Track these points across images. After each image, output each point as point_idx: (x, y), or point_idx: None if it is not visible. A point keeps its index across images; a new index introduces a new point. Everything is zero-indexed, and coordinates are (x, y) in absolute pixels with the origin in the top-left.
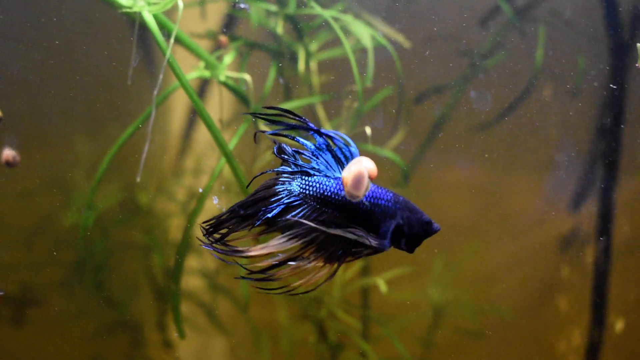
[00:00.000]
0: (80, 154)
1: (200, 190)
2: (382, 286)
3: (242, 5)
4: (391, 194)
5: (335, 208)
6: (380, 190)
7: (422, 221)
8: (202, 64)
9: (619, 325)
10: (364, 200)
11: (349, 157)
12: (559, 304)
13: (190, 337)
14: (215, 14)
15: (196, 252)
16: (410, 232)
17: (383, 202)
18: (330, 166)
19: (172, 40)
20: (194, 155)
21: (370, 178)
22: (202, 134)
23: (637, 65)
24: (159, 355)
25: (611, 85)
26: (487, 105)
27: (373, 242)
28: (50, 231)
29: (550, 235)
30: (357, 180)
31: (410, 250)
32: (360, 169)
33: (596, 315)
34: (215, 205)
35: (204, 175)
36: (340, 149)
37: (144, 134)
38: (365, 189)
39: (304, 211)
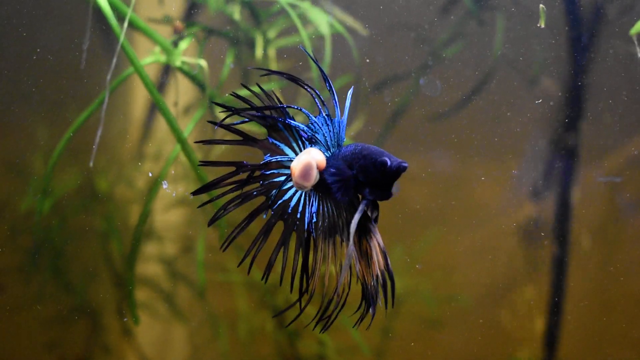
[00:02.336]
0: (38, 140)
1: (150, 174)
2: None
3: None
4: (351, 147)
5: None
6: (345, 149)
7: (376, 164)
8: (158, 49)
9: (577, 314)
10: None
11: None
12: (518, 293)
13: (150, 324)
14: (176, 0)
15: (156, 238)
16: (368, 179)
17: (346, 157)
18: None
19: (125, 24)
20: (155, 141)
21: (319, 169)
22: (163, 120)
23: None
24: (118, 341)
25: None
26: (436, 92)
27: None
28: (7, 216)
29: (510, 224)
30: (306, 171)
31: (382, 197)
32: (308, 159)
33: (555, 303)
34: (165, 190)
35: (164, 161)
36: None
37: (105, 119)
38: (313, 180)
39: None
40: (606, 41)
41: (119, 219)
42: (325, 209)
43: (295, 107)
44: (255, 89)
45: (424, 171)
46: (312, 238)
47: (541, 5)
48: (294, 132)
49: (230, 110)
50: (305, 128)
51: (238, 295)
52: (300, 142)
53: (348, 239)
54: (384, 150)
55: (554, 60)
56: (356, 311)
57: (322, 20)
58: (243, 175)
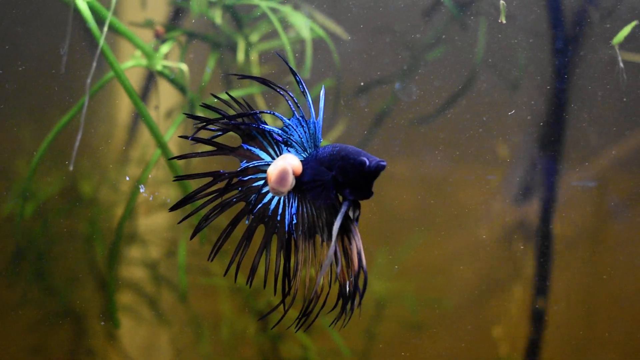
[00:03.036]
0: (20, 143)
1: (127, 178)
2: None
3: None
4: (329, 148)
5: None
6: (322, 150)
7: (355, 164)
8: (139, 53)
9: (560, 317)
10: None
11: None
12: (501, 296)
13: (134, 327)
14: (159, 4)
15: (139, 242)
16: (347, 179)
17: (324, 159)
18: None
19: (105, 28)
20: (139, 145)
21: (295, 174)
22: None
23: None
24: (102, 345)
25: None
26: (411, 97)
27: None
28: None
29: (494, 228)
30: (282, 176)
31: (363, 197)
32: (284, 165)
33: (538, 307)
34: (142, 194)
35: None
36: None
37: (88, 123)
38: (289, 185)
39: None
40: (588, 45)
41: (102, 223)
42: (305, 209)
43: (269, 111)
44: (232, 94)
45: (407, 174)
46: (292, 239)
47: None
48: (268, 136)
49: (203, 121)
50: (280, 131)
51: (221, 298)
52: (275, 146)
53: (330, 240)
54: (362, 150)
55: (536, 65)
56: (332, 309)
57: (303, 25)
58: (222, 184)
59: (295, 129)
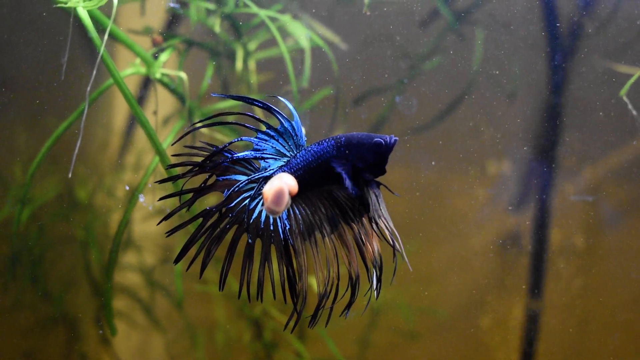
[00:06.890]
0: (17, 148)
1: (127, 188)
2: (316, 285)
3: (171, 4)
4: (332, 141)
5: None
6: (319, 146)
7: (371, 147)
8: (138, 61)
9: (554, 326)
10: (311, 163)
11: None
12: (495, 305)
13: (129, 333)
14: (158, 11)
15: (134, 248)
16: (367, 164)
17: (328, 154)
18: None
19: (106, 36)
20: (135, 152)
21: (291, 194)
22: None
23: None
24: (96, 350)
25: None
26: (411, 110)
27: (351, 191)
28: None
29: (488, 237)
30: (278, 196)
31: (379, 174)
32: (280, 184)
33: (532, 316)
34: (142, 203)
35: (144, 171)
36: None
37: (85, 129)
38: (285, 205)
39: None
40: (584, 56)
41: (98, 229)
42: (297, 211)
43: (236, 139)
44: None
45: (403, 183)
46: (290, 245)
47: None
48: (240, 162)
49: (174, 179)
50: (249, 153)
51: (216, 305)
52: (249, 165)
53: (333, 233)
54: (367, 133)
55: (532, 75)
56: (342, 296)
57: (301, 34)
58: (213, 219)
59: (266, 143)
